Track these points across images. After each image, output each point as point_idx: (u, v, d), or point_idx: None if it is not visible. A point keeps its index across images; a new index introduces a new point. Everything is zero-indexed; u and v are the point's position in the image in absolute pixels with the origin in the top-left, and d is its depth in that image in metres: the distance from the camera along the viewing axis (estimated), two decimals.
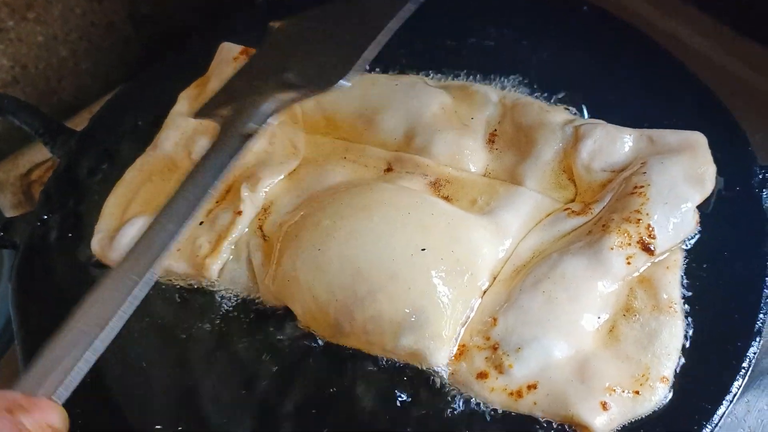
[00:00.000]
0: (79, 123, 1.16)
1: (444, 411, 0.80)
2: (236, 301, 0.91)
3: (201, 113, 0.89)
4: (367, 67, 1.08)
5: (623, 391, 0.77)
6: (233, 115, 0.83)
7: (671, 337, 0.81)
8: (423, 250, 0.84)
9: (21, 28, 1.30)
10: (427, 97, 1.02)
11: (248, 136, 0.80)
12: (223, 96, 0.90)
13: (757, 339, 0.80)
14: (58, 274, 0.97)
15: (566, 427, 0.77)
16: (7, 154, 1.32)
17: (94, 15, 1.38)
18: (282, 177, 0.99)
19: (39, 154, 1.27)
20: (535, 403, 0.78)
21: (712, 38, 1.24)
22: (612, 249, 0.83)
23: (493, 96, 1.02)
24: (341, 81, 0.80)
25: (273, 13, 1.21)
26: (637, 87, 1.03)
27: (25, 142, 1.31)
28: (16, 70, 1.33)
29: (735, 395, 0.77)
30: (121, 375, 0.88)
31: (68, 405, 0.83)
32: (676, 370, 0.79)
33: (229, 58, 1.10)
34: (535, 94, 1.04)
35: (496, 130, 1.00)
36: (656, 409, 0.77)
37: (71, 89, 1.42)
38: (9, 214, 1.22)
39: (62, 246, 0.99)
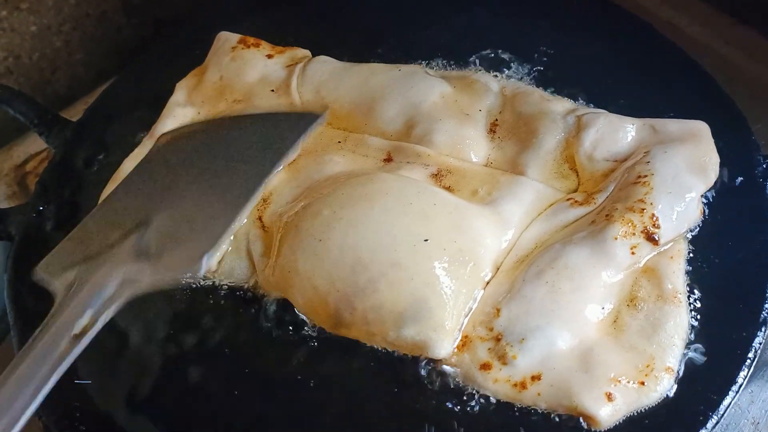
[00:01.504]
0: (73, 114, 1.15)
1: (446, 403, 0.80)
2: (235, 292, 0.90)
3: (43, 270, 0.75)
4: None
5: (628, 382, 0.77)
6: (70, 295, 0.70)
7: (676, 327, 0.80)
8: (425, 240, 0.84)
9: (14, 18, 1.28)
10: (428, 87, 1.01)
11: (81, 335, 0.66)
12: (72, 246, 0.77)
13: (763, 329, 0.80)
14: None
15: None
16: (1, 145, 1.31)
17: (88, 5, 1.37)
18: (281, 167, 0.98)
19: (34, 144, 1.26)
20: (538, 394, 0.78)
21: (711, 27, 1.24)
22: (616, 239, 0.83)
23: (493, 85, 1.02)
24: (197, 265, 0.72)
25: None
26: (639, 76, 1.03)
27: (19, 132, 1.30)
28: (9, 61, 1.32)
29: (740, 386, 0.77)
30: (120, 368, 0.88)
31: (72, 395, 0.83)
32: (680, 361, 0.79)
33: (227, 48, 1.09)
34: (536, 84, 1.03)
35: (497, 119, 0.99)
36: (661, 399, 0.77)
37: (65, 80, 1.41)
38: (3, 205, 1.21)
39: (58, 237, 0.97)
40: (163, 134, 0.87)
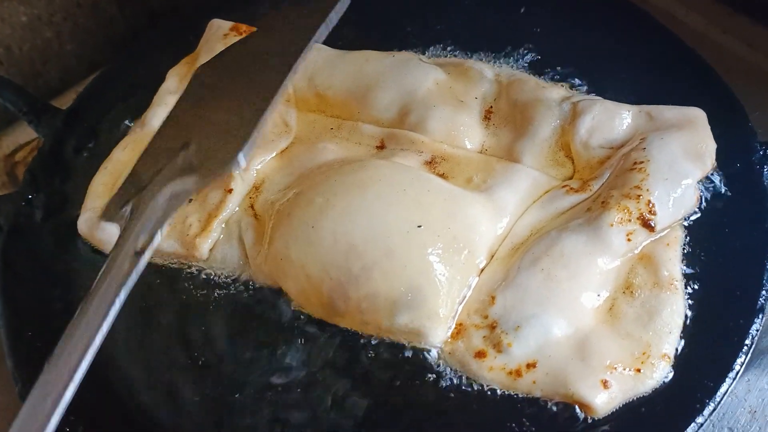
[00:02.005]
0: (64, 105, 1.14)
1: (440, 391, 0.79)
2: (227, 280, 0.90)
3: (105, 217, 0.78)
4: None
5: (624, 369, 0.76)
6: (128, 222, 0.74)
7: (672, 314, 0.79)
8: (419, 227, 0.83)
9: (3, 8, 1.27)
10: (422, 74, 1.00)
11: (141, 253, 0.71)
12: (126, 187, 0.79)
13: (760, 316, 0.79)
14: (44, 255, 0.95)
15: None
16: None
17: None
18: (273, 155, 0.97)
19: (23, 134, 1.24)
20: (534, 382, 0.77)
21: (708, 16, 1.23)
22: (612, 225, 0.82)
23: (488, 72, 1.01)
24: (234, 163, 0.73)
25: None
26: (636, 63, 1.02)
27: (8, 122, 1.28)
28: None
29: (737, 373, 0.76)
30: (115, 358, 0.87)
31: None
32: (677, 348, 0.78)
33: (219, 35, 1.08)
34: (532, 71, 1.02)
35: (492, 106, 0.98)
36: (657, 387, 0.76)
37: (56, 71, 1.39)
38: None
39: (48, 226, 0.97)
40: (201, 65, 0.89)
